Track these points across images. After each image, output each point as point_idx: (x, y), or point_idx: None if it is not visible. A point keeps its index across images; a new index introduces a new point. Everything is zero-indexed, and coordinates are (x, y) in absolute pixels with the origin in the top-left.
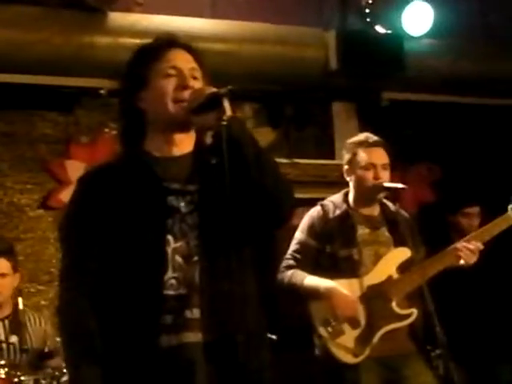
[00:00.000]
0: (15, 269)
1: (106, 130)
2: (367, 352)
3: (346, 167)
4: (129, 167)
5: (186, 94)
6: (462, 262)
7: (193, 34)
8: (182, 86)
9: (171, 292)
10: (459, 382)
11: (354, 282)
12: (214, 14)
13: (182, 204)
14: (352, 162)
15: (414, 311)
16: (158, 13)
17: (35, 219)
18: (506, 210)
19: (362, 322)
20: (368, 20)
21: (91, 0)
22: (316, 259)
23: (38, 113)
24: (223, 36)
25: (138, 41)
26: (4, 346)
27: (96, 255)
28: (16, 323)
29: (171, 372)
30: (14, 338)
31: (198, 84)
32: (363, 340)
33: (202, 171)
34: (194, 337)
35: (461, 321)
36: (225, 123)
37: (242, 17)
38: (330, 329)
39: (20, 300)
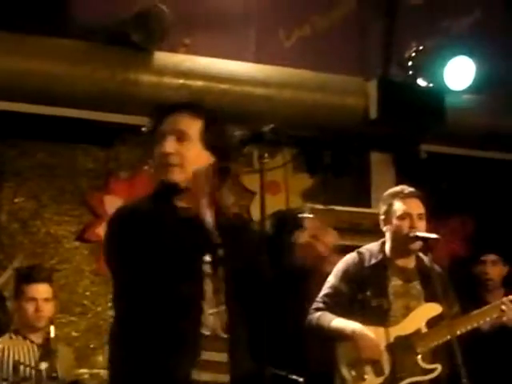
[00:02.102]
0: (55, 296)
1: (146, 167)
2: None
3: (382, 217)
4: None
5: None
6: (504, 318)
7: (235, 77)
8: None
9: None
10: None
11: (382, 330)
12: (257, 59)
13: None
14: (388, 212)
15: (439, 367)
16: (203, 54)
17: (71, 251)
18: None
19: (386, 370)
20: (410, 72)
21: (138, 38)
22: (346, 305)
23: (80, 146)
24: (265, 80)
25: (181, 81)
26: (33, 372)
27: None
28: (47, 350)
29: None
30: (43, 365)
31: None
32: None
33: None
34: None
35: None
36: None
37: (285, 62)
38: (353, 372)
39: (52, 328)
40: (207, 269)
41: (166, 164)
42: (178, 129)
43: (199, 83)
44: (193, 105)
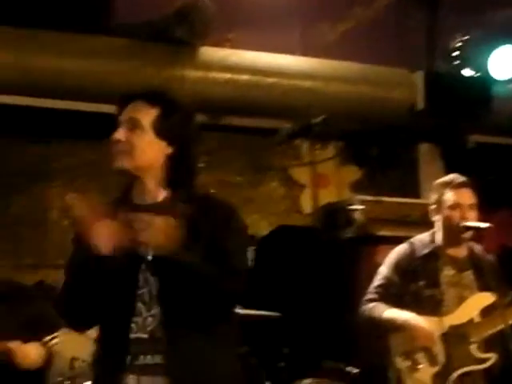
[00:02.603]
0: None
1: None
2: None
3: (432, 207)
4: None
5: None
6: None
7: (281, 70)
8: None
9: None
10: None
11: (436, 320)
12: (303, 52)
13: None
14: (439, 201)
15: (493, 356)
16: (247, 48)
17: None
18: None
19: (441, 360)
20: (456, 63)
21: (182, 34)
22: (399, 296)
23: None
24: (311, 73)
25: (227, 75)
26: (89, 367)
27: None
28: None
29: None
30: None
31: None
32: (439, 378)
33: None
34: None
35: None
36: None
37: (331, 55)
38: (407, 362)
39: None
40: (144, 269)
41: (116, 151)
42: (131, 117)
43: (245, 77)
44: (150, 93)
